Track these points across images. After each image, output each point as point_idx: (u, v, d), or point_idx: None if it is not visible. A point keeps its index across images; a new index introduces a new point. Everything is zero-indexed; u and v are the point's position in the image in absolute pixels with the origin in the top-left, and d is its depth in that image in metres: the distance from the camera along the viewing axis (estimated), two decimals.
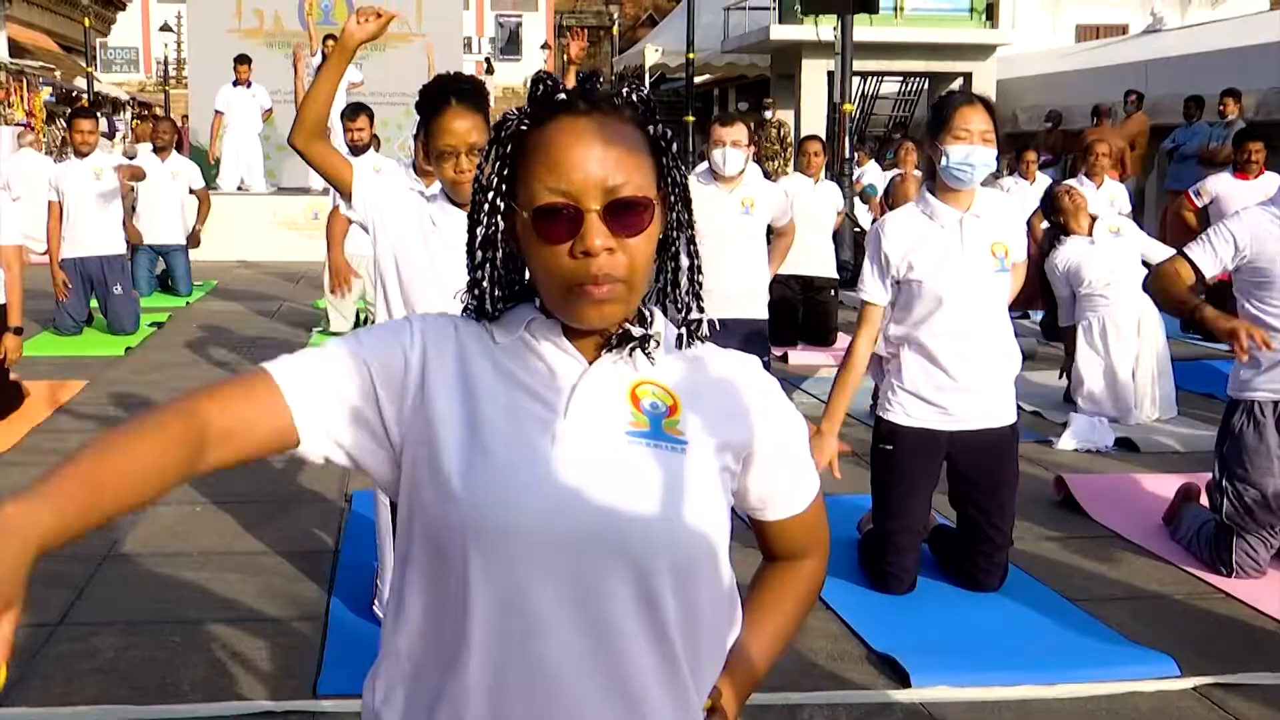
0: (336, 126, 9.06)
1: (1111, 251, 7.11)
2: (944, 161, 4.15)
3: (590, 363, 1.54)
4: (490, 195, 1.54)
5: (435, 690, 1.53)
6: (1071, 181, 9.95)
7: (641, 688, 1.50)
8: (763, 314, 6.45)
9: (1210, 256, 4.53)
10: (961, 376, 4.22)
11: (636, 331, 1.54)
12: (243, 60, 15.95)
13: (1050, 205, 7.39)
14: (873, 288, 4.30)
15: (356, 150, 8.88)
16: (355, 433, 1.54)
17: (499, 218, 1.53)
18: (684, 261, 1.60)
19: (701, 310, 1.61)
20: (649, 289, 1.58)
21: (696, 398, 1.58)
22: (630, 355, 1.55)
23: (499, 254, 1.55)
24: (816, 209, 9.34)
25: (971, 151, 4.10)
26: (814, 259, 9.30)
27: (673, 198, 1.56)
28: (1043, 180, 12.67)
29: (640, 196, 1.48)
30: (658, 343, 1.57)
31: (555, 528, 1.47)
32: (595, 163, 1.47)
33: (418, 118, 3.65)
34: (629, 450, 1.52)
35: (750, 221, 6.35)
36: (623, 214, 1.47)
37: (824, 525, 1.78)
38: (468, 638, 1.49)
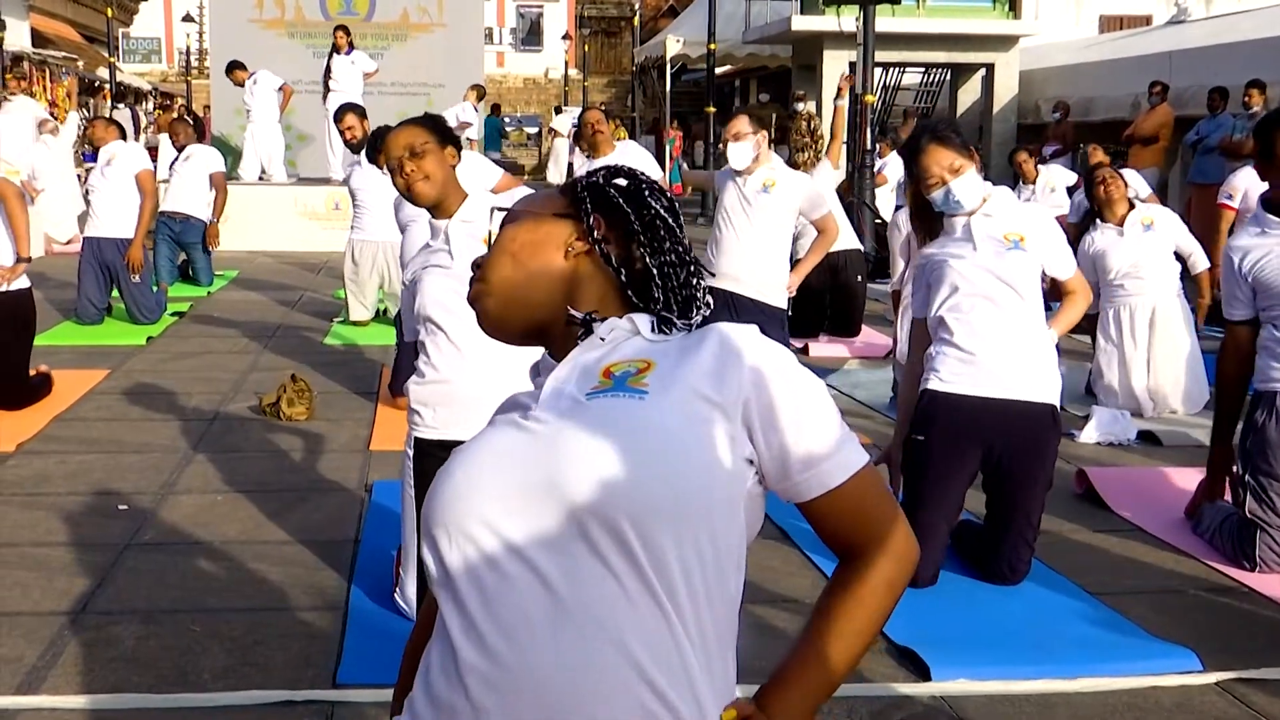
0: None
1: (1138, 244, 7.05)
2: (936, 207, 4.37)
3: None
4: None
5: (430, 655, 1.64)
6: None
7: (618, 631, 1.54)
8: (776, 300, 6.50)
9: (1242, 305, 4.67)
10: (989, 346, 4.22)
11: (578, 316, 1.73)
12: (233, 67, 15.96)
13: (1089, 190, 7.30)
14: (918, 308, 4.47)
15: (354, 148, 9.00)
16: None
17: None
18: (650, 265, 1.74)
19: (690, 303, 1.75)
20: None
21: (676, 359, 1.67)
22: (583, 339, 1.72)
23: None
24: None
25: (948, 191, 4.28)
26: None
27: (589, 222, 1.75)
28: (1057, 174, 12.61)
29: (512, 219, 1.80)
30: (602, 325, 1.72)
31: (485, 483, 1.60)
32: None
33: (439, 109, 3.79)
34: (584, 407, 1.63)
35: (769, 199, 6.39)
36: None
37: (881, 512, 1.71)
38: (448, 601, 1.60)
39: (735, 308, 6.29)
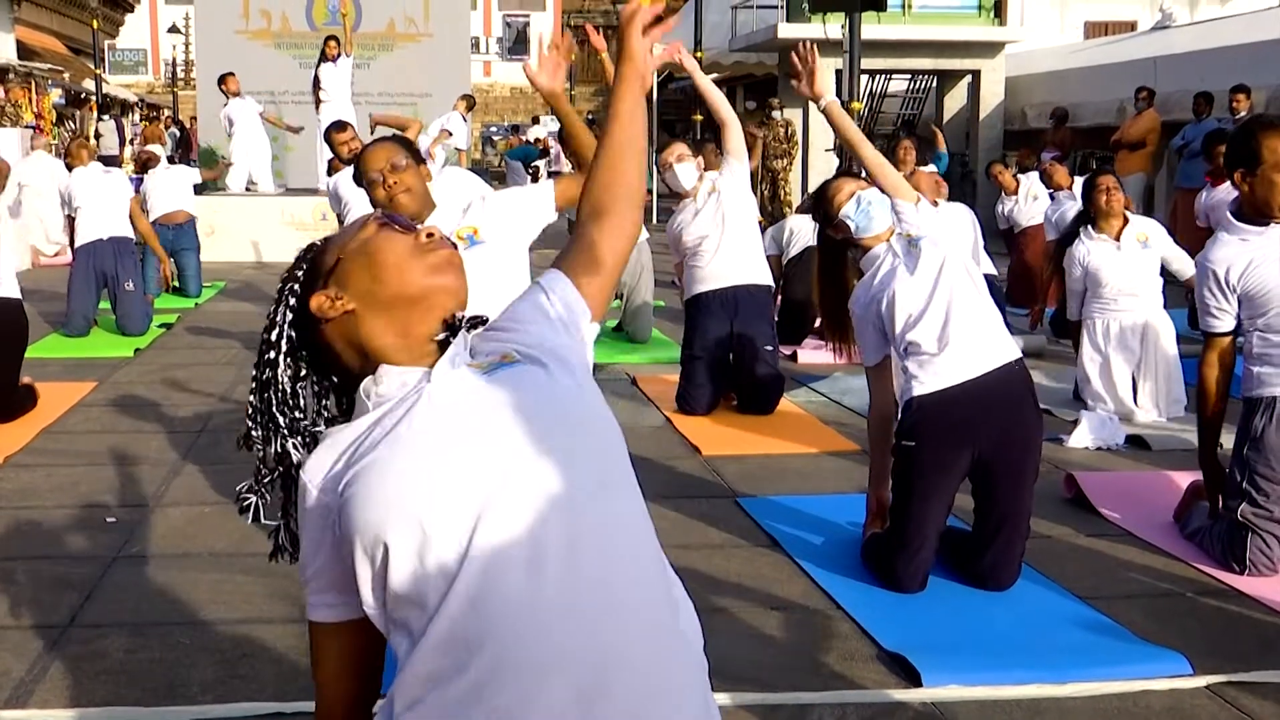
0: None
1: (1135, 262, 7.06)
2: (852, 226, 4.50)
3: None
4: None
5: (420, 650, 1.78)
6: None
7: (628, 558, 1.83)
8: (766, 280, 7.20)
9: (1227, 317, 4.66)
10: (952, 336, 4.27)
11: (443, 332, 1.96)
12: (224, 78, 16.05)
13: (1088, 194, 7.25)
14: (870, 352, 4.54)
15: (350, 160, 9.01)
16: None
17: None
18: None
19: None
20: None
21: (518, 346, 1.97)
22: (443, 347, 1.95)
23: None
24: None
25: (858, 198, 4.47)
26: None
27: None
28: (1039, 182, 12.56)
29: None
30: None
31: (430, 474, 1.77)
32: None
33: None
34: (492, 378, 1.88)
35: (722, 199, 7.00)
36: None
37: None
38: (446, 595, 1.75)
39: (735, 302, 6.96)
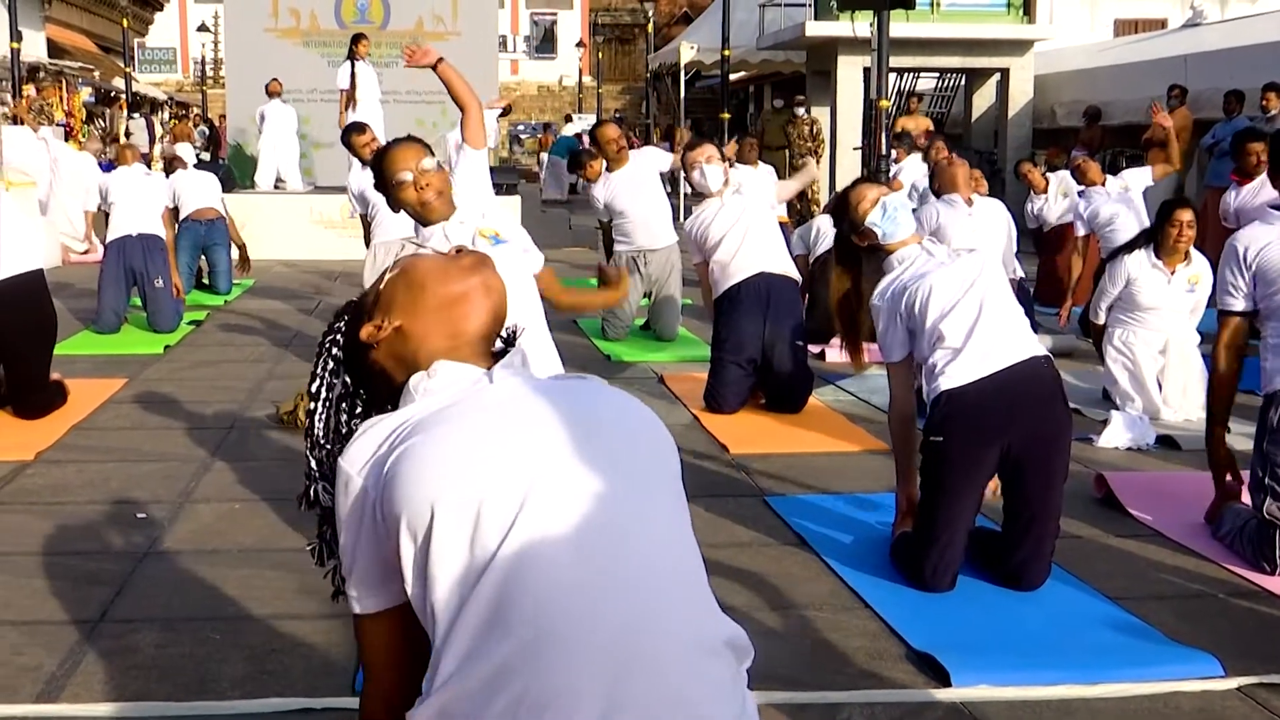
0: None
1: (1176, 298, 7.06)
2: (879, 233, 4.49)
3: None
4: None
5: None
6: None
7: (664, 551, 1.89)
8: (787, 271, 7.27)
9: (1242, 296, 4.69)
10: (979, 330, 4.26)
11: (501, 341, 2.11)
12: (271, 81, 16.23)
13: (1160, 222, 7.15)
14: (895, 350, 4.51)
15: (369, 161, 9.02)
16: None
17: None
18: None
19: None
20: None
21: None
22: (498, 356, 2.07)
23: None
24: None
25: (885, 203, 4.47)
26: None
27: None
28: (1070, 180, 12.43)
29: None
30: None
31: (491, 452, 1.84)
32: None
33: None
34: (553, 381, 2.02)
35: (747, 198, 7.25)
36: None
37: None
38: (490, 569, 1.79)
39: (767, 292, 7.01)
